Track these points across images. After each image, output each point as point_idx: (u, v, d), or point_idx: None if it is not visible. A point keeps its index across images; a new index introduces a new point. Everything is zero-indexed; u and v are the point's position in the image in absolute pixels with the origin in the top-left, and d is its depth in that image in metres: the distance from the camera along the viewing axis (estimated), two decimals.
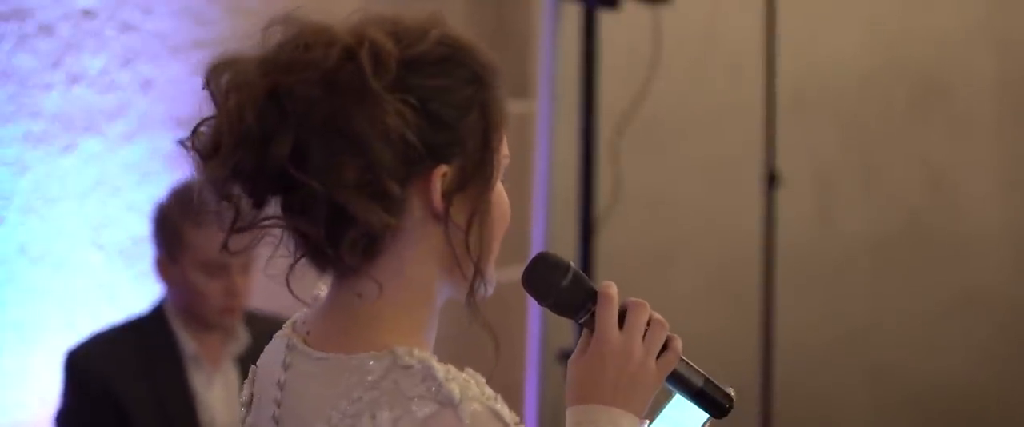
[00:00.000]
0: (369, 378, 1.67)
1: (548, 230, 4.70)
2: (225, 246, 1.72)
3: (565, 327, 4.62)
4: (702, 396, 1.87)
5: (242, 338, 3.86)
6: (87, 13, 4.09)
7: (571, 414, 1.82)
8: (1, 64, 3.99)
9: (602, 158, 4.72)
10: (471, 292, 1.73)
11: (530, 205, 4.66)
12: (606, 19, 4.63)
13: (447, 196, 1.70)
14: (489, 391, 1.67)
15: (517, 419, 1.67)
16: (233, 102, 1.69)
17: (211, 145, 1.70)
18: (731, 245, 5.47)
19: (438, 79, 1.70)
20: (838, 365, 5.65)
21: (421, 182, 1.70)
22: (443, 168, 1.69)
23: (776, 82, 5.00)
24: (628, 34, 4.90)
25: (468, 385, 1.64)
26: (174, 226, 3.76)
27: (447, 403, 1.63)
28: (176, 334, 3.82)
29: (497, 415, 1.64)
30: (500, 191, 1.77)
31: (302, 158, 1.66)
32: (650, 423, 1.87)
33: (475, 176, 1.71)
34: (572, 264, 1.84)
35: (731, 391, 1.88)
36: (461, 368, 1.69)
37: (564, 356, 4.49)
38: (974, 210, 5.74)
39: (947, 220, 5.73)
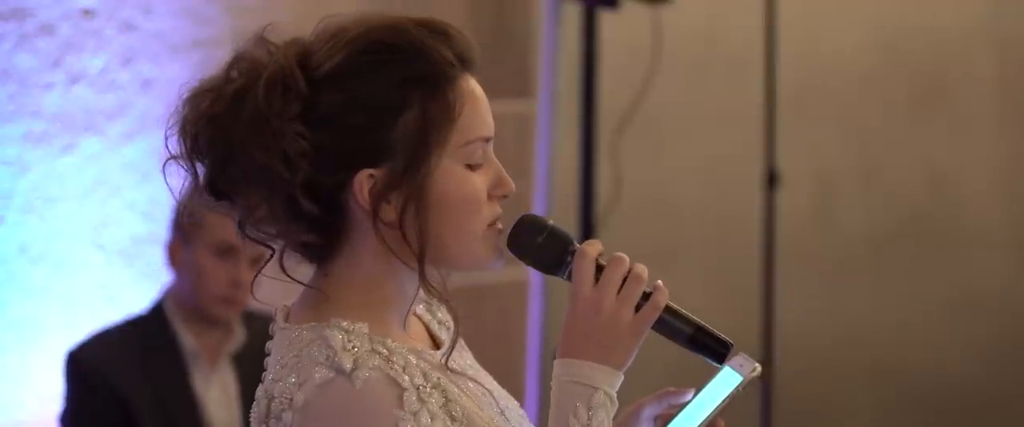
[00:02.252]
0: (298, 345, 1.81)
1: None
2: (241, 231, 1.86)
3: None
4: (695, 344, 1.88)
5: (239, 336, 3.86)
6: (87, 13, 4.09)
7: (554, 368, 1.87)
8: (1, 64, 3.99)
9: (602, 158, 4.72)
10: (423, 280, 1.83)
11: (530, 205, 4.66)
12: (606, 19, 4.63)
13: (379, 196, 1.80)
14: (409, 361, 1.78)
15: (425, 384, 1.78)
16: (178, 124, 1.84)
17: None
18: (731, 245, 5.47)
19: (355, 90, 1.80)
20: (838, 364, 5.65)
21: (351, 186, 1.81)
22: (367, 172, 1.80)
23: (776, 82, 5.00)
24: (628, 34, 4.90)
25: (369, 356, 1.77)
26: (193, 209, 3.78)
27: (340, 371, 1.76)
28: (176, 332, 3.82)
29: (393, 381, 1.76)
30: (459, 177, 1.83)
31: (222, 182, 1.83)
32: (693, 396, 1.93)
33: (407, 173, 1.80)
34: (551, 223, 1.90)
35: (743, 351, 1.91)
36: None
37: None
38: (974, 210, 5.74)
39: (947, 220, 5.73)
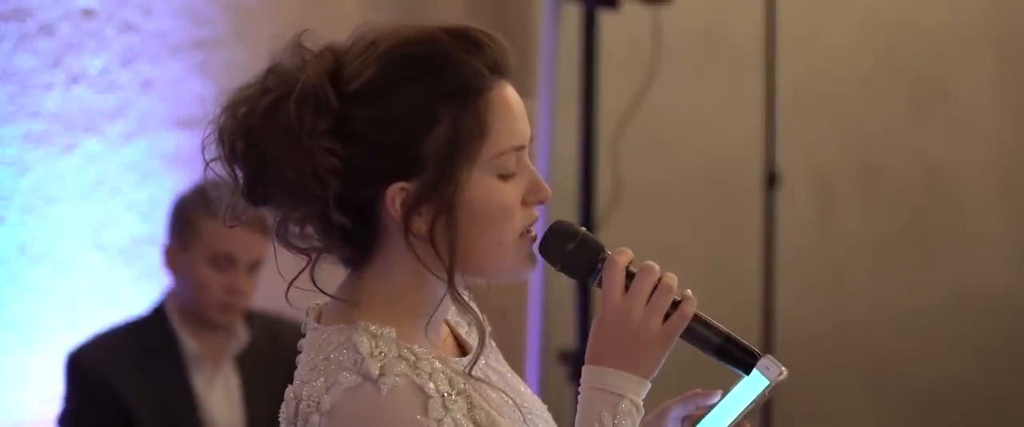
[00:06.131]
0: (327, 348, 1.83)
1: None
2: (278, 238, 1.86)
3: (565, 327, 4.62)
4: (723, 353, 1.92)
5: (242, 337, 3.86)
6: (87, 13, 4.09)
7: (582, 374, 1.90)
8: (1, 64, 3.99)
9: (602, 158, 4.71)
10: (452, 290, 1.84)
11: None
12: (606, 19, 4.63)
13: (410, 208, 1.81)
14: (436, 368, 1.80)
15: (450, 391, 1.80)
16: (216, 131, 1.83)
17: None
18: (731, 245, 5.47)
19: (384, 106, 1.81)
20: (838, 365, 5.65)
21: (383, 199, 1.82)
22: (398, 185, 1.81)
23: (776, 82, 5.00)
24: (628, 34, 4.90)
25: (395, 362, 1.78)
26: (190, 214, 3.78)
27: (367, 376, 1.77)
28: (177, 334, 3.81)
29: (418, 389, 1.78)
30: (490, 189, 1.86)
31: (260, 191, 1.82)
32: (720, 398, 1.95)
33: (438, 187, 1.81)
34: (582, 230, 1.95)
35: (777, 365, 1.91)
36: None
37: (564, 356, 4.49)
38: (974, 210, 5.74)
39: (947, 220, 5.73)
